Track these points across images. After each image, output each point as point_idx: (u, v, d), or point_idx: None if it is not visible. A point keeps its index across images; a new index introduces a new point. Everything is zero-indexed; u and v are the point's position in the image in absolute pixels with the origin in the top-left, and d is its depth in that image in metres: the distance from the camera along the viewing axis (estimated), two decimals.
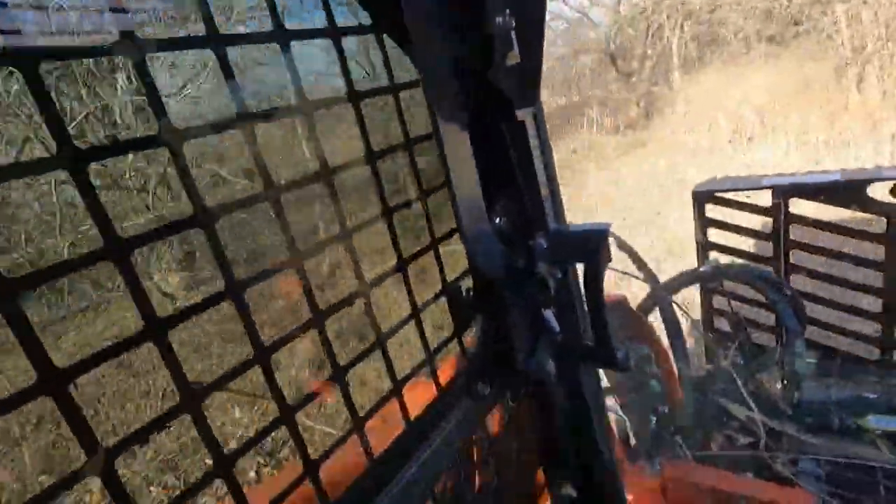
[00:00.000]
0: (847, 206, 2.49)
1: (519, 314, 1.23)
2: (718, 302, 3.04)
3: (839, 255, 2.61)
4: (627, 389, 2.32)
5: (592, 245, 1.15)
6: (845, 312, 2.74)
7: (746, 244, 2.92)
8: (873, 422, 2.51)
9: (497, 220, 1.19)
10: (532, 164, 1.16)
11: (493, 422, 1.44)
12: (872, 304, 2.63)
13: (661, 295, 2.50)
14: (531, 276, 1.20)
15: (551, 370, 1.26)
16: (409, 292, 1.00)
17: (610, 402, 2.41)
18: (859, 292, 2.69)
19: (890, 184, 2.37)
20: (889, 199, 2.38)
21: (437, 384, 1.09)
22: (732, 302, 2.94)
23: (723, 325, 3.06)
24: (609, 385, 2.30)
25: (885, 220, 2.42)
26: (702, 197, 2.79)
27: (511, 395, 1.36)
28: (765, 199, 2.68)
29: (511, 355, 1.25)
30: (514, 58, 1.04)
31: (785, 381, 2.61)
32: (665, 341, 2.61)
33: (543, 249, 1.16)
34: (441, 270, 1.18)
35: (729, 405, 2.53)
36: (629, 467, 2.14)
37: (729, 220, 2.86)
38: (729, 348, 3.02)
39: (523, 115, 1.09)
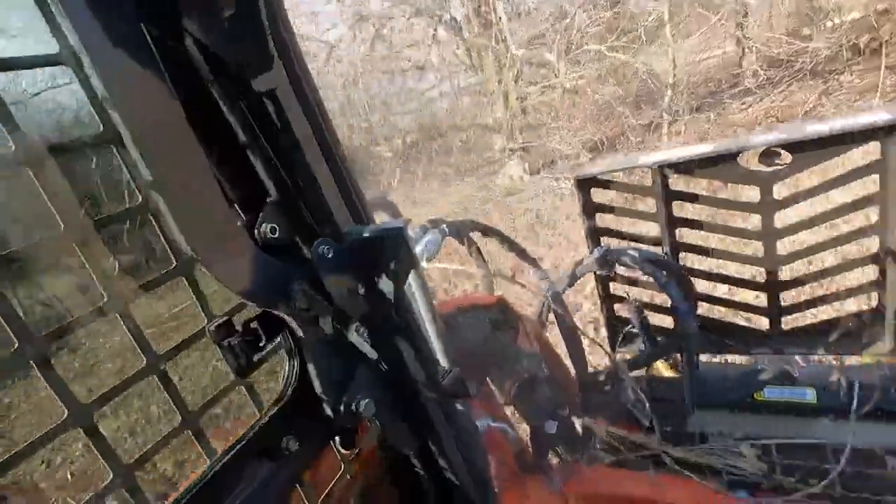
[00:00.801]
0: (722, 178, 2.46)
1: (318, 346, 0.94)
2: (615, 289, 2.95)
3: (722, 229, 2.58)
4: (521, 399, 2.12)
5: (387, 247, 0.89)
6: (734, 285, 2.72)
7: (636, 226, 2.85)
8: (768, 394, 2.49)
9: (261, 229, 0.89)
10: (300, 150, 0.87)
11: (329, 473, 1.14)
12: (758, 274, 2.62)
13: (550, 290, 2.35)
14: (318, 294, 0.91)
15: (370, 410, 0.98)
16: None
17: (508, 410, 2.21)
18: (748, 265, 2.70)
19: (759, 151, 2.36)
20: (759, 166, 2.36)
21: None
22: (628, 287, 2.86)
23: (623, 311, 2.97)
24: (501, 397, 2.09)
25: (758, 188, 2.41)
26: (584, 182, 2.67)
27: (342, 442, 1.07)
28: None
29: (317, 398, 0.97)
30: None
31: (680, 366, 2.55)
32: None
33: (327, 260, 0.88)
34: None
35: (630, 398, 2.41)
36: (529, 481, 1.93)
37: (616, 204, 2.78)
38: (631, 336, 2.95)
39: (265, 83, 0.81)
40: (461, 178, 15.84)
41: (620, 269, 2.75)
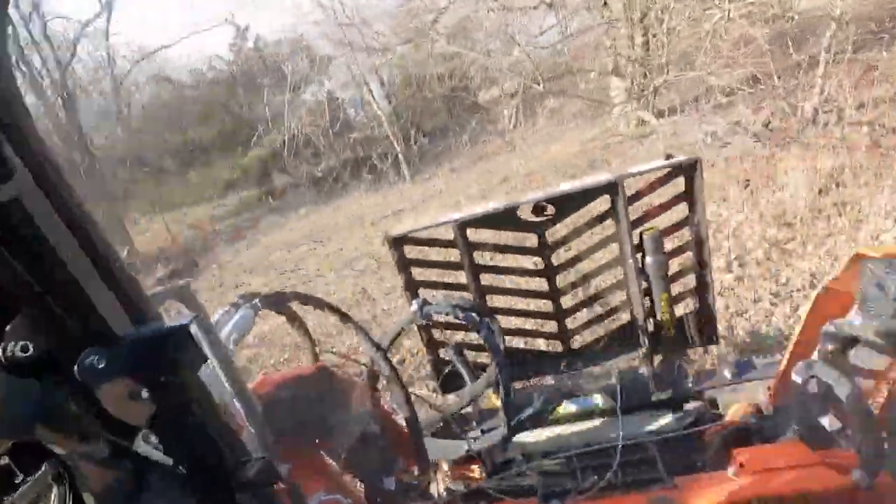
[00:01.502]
0: (508, 229, 2.89)
1: (93, 467, 0.87)
2: (437, 335, 3.18)
3: (514, 271, 3.01)
4: (355, 462, 2.13)
5: (172, 346, 0.88)
6: (531, 318, 3.16)
7: (448, 276, 3.13)
8: (567, 407, 2.92)
9: (8, 348, 0.81)
10: (56, 257, 0.83)
11: None
12: (543, 306, 3.09)
13: (373, 351, 2.43)
14: (88, 409, 0.86)
15: None
16: None
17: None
18: (538, 298, 3.17)
19: (531, 206, 2.85)
20: (533, 217, 2.84)
21: None
22: (448, 332, 3.12)
23: (448, 355, 3.20)
24: (336, 465, 2.07)
25: (535, 236, 2.88)
26: (397, 240, 2.88)
27: None
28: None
29: None
30: None
31: (501, 397, 2.85)
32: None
33: (98, 370, 0.83)
34: None
35: (461, 438, 2.60)
36: None
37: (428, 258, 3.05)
38: (455, 377, 3.17)
39: (5, 193, 0.76)
40: (582, 121, 14.60)
41: (438, 317, 2.99)
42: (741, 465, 1.96)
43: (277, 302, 2.08)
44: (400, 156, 16.55)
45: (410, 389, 2.63)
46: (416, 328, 3.09)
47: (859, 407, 1.67)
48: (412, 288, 3.02)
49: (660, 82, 11.51)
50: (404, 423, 2.59)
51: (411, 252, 2.95)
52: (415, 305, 2.79)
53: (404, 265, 2.95)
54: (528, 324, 3.27)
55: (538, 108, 16.42)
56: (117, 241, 16.50)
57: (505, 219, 2.81)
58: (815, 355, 1.88)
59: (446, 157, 17.06)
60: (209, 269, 13.54)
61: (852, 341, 1.82)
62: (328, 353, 2.44)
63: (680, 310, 3.01)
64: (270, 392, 1.94)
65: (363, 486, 2.23)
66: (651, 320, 2.96)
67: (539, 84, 13.21)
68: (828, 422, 1.92)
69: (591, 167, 10.62)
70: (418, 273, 3.06)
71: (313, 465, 2.00)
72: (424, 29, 14.61)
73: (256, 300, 1.95)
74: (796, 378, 1.91)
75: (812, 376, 1.81)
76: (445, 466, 2.86)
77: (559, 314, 3.06)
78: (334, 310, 2.46)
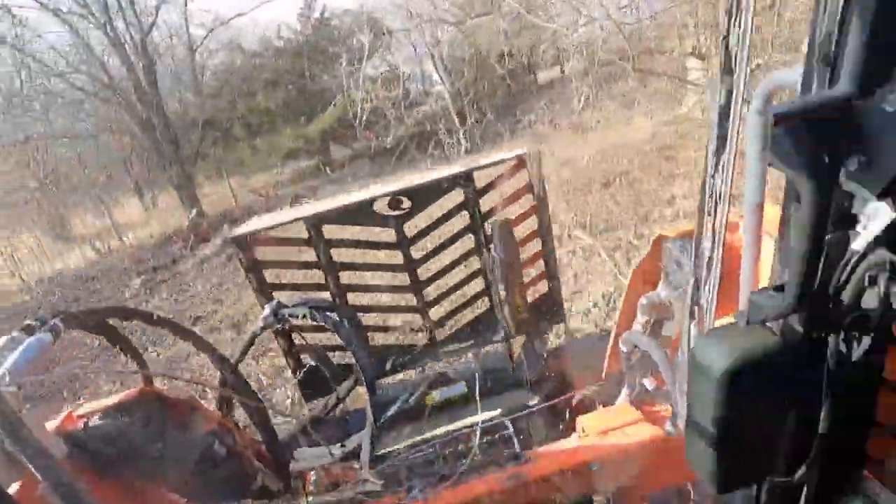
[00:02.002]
0: (364, 224, 2.83)
1: None
2: (296, 339, 3.02)
3: (373, 266, 2.97)
4: (202, 486, 1.93)
5: None
6: (394, 313, 3.15)
7: (304, 276, 2.98)
8: (436, 396, 2.97)
9: None
10: None
11: None
12: (405, 300, 3.10)
13: (221, 367, 2.21)
14: None
15: None
16: None
17: None
18: (400, 293, 3.16)
19: (388, 199, 2.82)
20: (390, 211, 2.82)
21: None
22: (309, 334, 2.97)
23: (310, 360, 3.06)
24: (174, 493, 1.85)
25: (393, 231, 2.87)
26: (241, 240, 2.66)
27: None
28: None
29: None
30: None
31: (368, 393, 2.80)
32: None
33: None
34: None
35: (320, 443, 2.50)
36: None
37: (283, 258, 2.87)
38: (323, 384, 3.04)
39: None
40: (654, 104, 13.42)
41: (296, 320, 2.84)
42: (583, 430, 2.16)
43: (87, 320, 1.78)
44: (461, 133, 15.50)
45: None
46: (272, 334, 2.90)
47: (668, 368, 1.93)
48: (264, 291, 2.82)
49: (753, 66, 11.99)
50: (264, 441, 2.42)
51: (261, 252, 2.75)
52: (267, 310, 2.61)
53: (253, 266, 2.74)
54: (392, 319, 3.25)
55: (608, 89, 15.53)
56: (188, 202, 15.79)
57: (361, 214, 2.74)
58: (635, 327, 2.13)
59: (509, 136, 15.74)
60: None
61: (663, 310, 2.10)
62: (161, 374, 2.16)
63: (531, 295, 3.22)
64: (80, 428, 1.66)
65: None
66: (507, 306, 3.13)
67: (624, 60, 11.95)
68: (648, 383, 2.19)
69: (660, 154, 9.68)
70: (271, 275, 2.86)
71: (147, 501, 1.76)
72: (498, 1, 13.87)
73: (56, 320, 1.64)
74: (622, 348, 2.15)
75: (634, 345, 2.04)
76: (313, 475, 2.74)
77: (421, 307, 3.09)
78: (168, 323, 2.20)
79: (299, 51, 20.13)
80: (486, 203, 2.89)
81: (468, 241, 3.01)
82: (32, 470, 1.03)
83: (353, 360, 3.10)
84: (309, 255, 2.87)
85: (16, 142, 16.09)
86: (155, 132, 15.83)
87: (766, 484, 1.09)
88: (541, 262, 3.14)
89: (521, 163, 2.80)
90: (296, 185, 18.00)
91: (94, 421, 1.68)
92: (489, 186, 2.90)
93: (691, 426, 0.99)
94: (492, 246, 2.93)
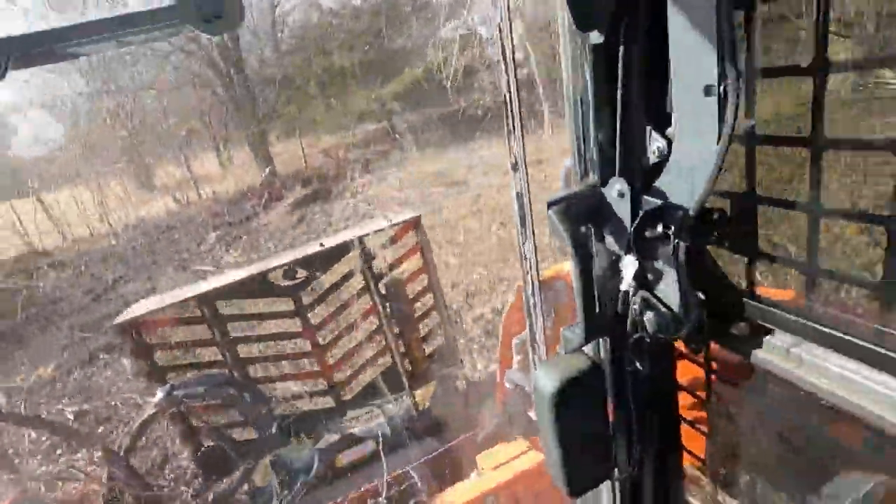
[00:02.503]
0: (261, 296, 2.89)
1: None
2: (197, 420, 2.91)
3: (272, 337, 3.00)
4: None
5: None
6: (299, 379, 3.18)
7: (200, 354, 2.93)
8: (344, 458, 3.00)
9: None
10: None
11: None
12: (308, 366, 3.16)
13: (111, 463, 2.11)
14: None
15: None
16: None
17: None
18: (302, 359, 3.21)
19: (281, 270, 2.93)
20: (285, 281, 2.92)
21: None
22: (207, 414, 2.88)
23: (206, 440, 2.94)
24: None
25: (290, 299, 2.95)
26: (128, 326, 2.59)
27: None
28: None
29: None
30: None
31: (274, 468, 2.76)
32: None
33: None
34: None
35: None
36: None
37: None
38: (223, 465, 2.93)
39: None
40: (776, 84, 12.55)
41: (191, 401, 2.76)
42: (481, 467, 2.35)
43: None
44: (544, 103, 14.26)
45: None
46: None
47: None
48: (157, 375, 2.72)
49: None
50: None
51: (150, 335, 2.67)
52: (160, 393, 2.54)
53: (143, 351, 2.65)
54: (297, 386, 3.26)
55: None
56: (262, 160, 15.60)
57: (254, 287, 2.80)
58: (513, 365, 2.41)
59: None
60: (342, 197, 12.45)
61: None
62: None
63: (429, 346, 3.43)
64: None
65: None
66: (407, 359, 3.31)
67: None
68: (532, 414, 2.46)
69: None
70: (164, 357, 2.78)
71: None
72: None
73: None
74: (507, 385, 2.42)
75: (514, 382, 2.32)
76: None
77: (324, 371, 3.16)
78: (45, 423, 2.07)
79: (377, 10, 19.46)
80: (378, 265, 3.09)
81: (364, 303, 3.17)
82: None
83: (253, 436, 3.05)
84: (203, 332, 2.84)
85: (109, 90, 16.57)
86: (234, 88, 15.71)
87: (614, 483, 1.34)
88: (434, 315, 3.38)
89: (410, 226, 3.07)
90: (366, 149, 17.35)
91: None
92: (382, 249, 3.12)
93: (542, 441, 1.22)
94: (387, 304, 3.13)
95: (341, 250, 2.92)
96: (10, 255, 12.10)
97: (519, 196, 1.10)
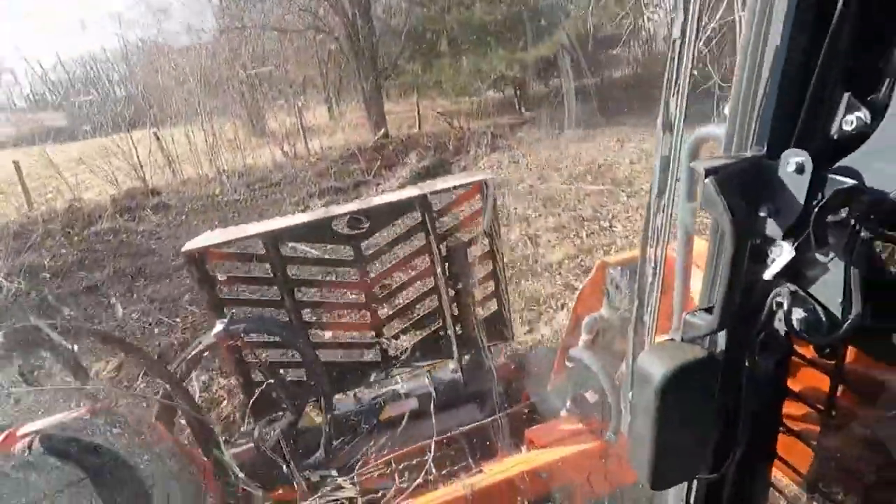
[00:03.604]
0: (323, 241, 2.86)
1: None
2: (247, 355, 2.97)
3: (331, 284, 3.00)
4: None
5: None
6: (348, 329, 3.18)
7: (258, 291, 2.96)
8: (387, 411, 3.02)
9: None
10: None
11: None
12: (360, 317, 3.15)
13: (166, 381, 2.16)
14: None
15: None
16: None
17: None
18: (355, 309, 3.20)
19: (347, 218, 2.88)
20: (348, 230, 2.88)
21: None
22: (261, 351, 2.93)
23: (258, 376, 3.01)
24: None
25: (351, 248, 2.92)
26: (195, 255, 2.62)
27: None
28: None
29: None
30: None
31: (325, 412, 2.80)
32: None
33: None
34: None
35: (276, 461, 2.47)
36: None
37: (237, 273, 2.84)
38: (272, 402, 3.00)
39: None
40: None
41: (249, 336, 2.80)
42: (531, 442, 2.30)
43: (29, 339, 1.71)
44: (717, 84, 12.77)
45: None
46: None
47: (608, 382, 2.11)
48: (216, 306, 2.77)
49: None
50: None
51: (214, 267, 2.71)
52: (219, 326, 2.58)
53: (206, 281, 2.69)
54: (346, 336, 3.28)
55: None
56: (374, 119, 14.44)
57: (318, 231, 2.78)
58: (579, 344, 2.30)
59: None
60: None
61: (605, 330, 2.30)
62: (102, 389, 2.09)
63: (482, 313, 3.36)
64: (22, 447, 1.58)
65: None
66: (458, 324, 3.25)
67: None
68: (590, 396, 2.37)
69: None
70: (224, 290, 2.82)
71: None
72: None
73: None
74: (568, 363, 2.32)
75: (577, 360, 2.21)
76: (260, 493, 2.69)
77: (376, 325, 3.14)
78: (115, 340, 2.13)
79: None
80: (442, 224, 3.01)
81: (423, 261, 3.11)
82: None
83: (303, 379, 3.10)
84: (264, 271, 2.86)
85: (235, 27, 15.96)
86: (357, 37, 14.59)
87: (695, 481, 1.25)
88: (491, 283, 3.30)
89: (477, 188, 2.96)
90: (490, 119, 15.47)
91: (37, 443, 1.61)
92: (446, 209, 3.03)
93: (633, 430, 1.12)
94: (446, 266, 3.06)
95: (408, 205, 2.84)
96: (122, 190, 11.76)
97: (665, 160, 0.96)
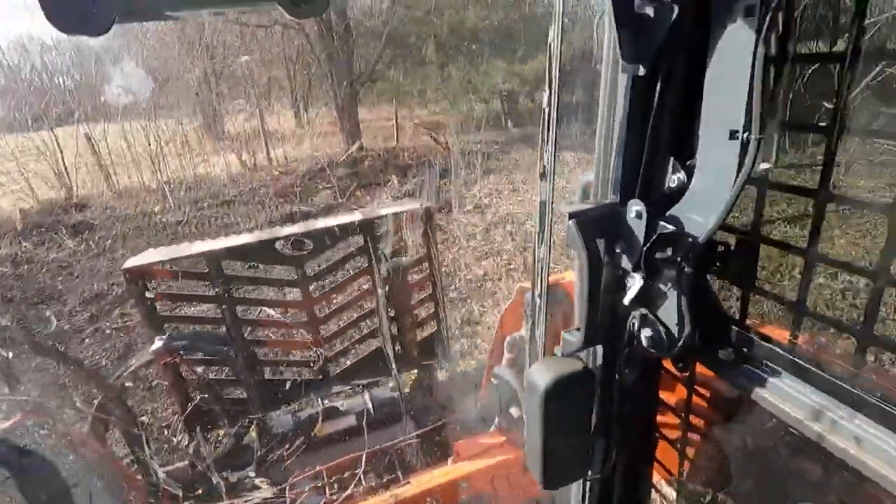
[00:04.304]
0: (266, 261, 2.95)
1: None
2: (187, 372, 2.98)
3: (272, 303, 3.07)
4: None
5: None
6: (290, 348, 3.25)
7: (198, 308, 2.99)
8: (326, 428, 3.09)
9: None
10: None
11: None
12: (302, 335, 3.23)
13: (103, 392, 2.18)
14: None
15: None
16: None
17: None
18: (297, 328, 3.28)
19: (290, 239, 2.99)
20: (291, 251, 2.98)
21: None
22: (199, 368, 2.96)
23: (192, 392, 3.02)
24: None
25: (294, 268, 3.02)
26: (136, 272, 2.65)
27: None
28: None
29: None
30: None
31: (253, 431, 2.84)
32: None
33: None
34: None
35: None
36: None
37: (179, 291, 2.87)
38: (205, 417, 3.01)
39: None
40: None
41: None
42: (457, 454, 2.44)
43: None
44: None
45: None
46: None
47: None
48: (155, 323, 2.78)
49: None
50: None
51: (156, 284, 2.74)
52: (158, 342, 2.61)
53: (146, 299, 2.71)
54: (287, 354, 3.34)
55: None
56: (348, 129, 12.68)
57: (262, 252, 2.87)
58: (503, 362, 2.49)
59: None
60: (460, 206, 8.47)
61: (524, 350, 2.50)
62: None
63: (421, 333, 3.51)
64: None
65: None
66: (397, 344, 3.39)
67: None
68: (514, 411, 2.55)
69: None
70: (164, 307, 2.84)
71: None
72: None
73: None
74: (493, 380, 2.51)
75: (501, 378, 2.40)
76: (180, 493, 2.68)
77: (317, 343, 3.23)
78: (45, 350, 2.14)
79: None
80: (383, 248, 3.16)
81: (365, 283, 3.24)
82: None
83: (242, 396, 3.13)
84: (206, 289, 2.91)
85: (189, 19, 12.31)
86: (332, 37, 13.01)
87: (587, 482, 1.43)
88: (430, 304, 3.46)
89: (421, 214, 3.14)
90: (477, 135, 13.38)
91: None
92: (388, 233, 3.19)
93: (527, 435, 1.29)
94: (386, 287, 3.20)
95: (351, 229, 2.98)
96: (44, 199, 9.75)
97: (543, 204, 1.17)
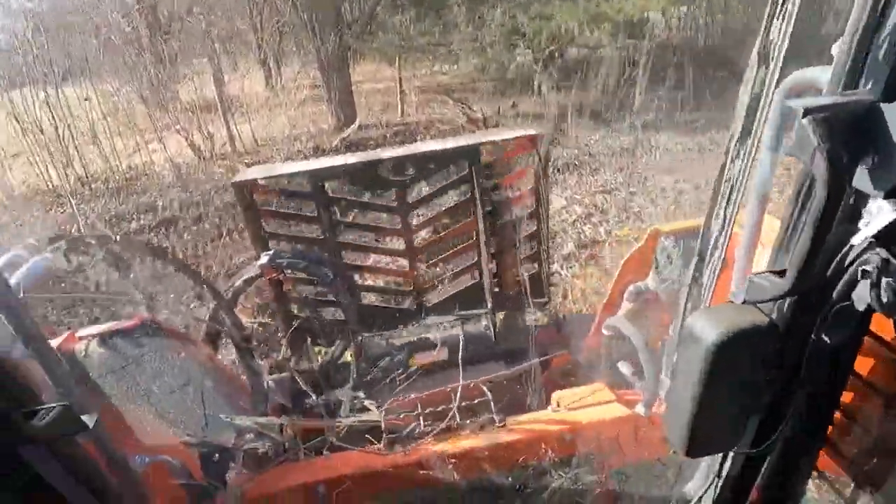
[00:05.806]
0: (367, 185, 2.85)
1: None
2: (287, 289, 3.04)
3: (372, 228, 3.00)
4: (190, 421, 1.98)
5: None
6: (386, 275, 3.20)
7: (301, 228, 3.00)
8: (418, 359, 3.05)
9: None
10: None
11: None
12: (399, 264, 3.15)
13: (216, 303, 2.24)
14: None
15: None
16: None
17: None
18: (394, 256, 3.21)
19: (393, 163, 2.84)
20: (393, 175, 2.84)
21: None
22: (299, 286, 3.00)
23: (293, 308, 3.09)
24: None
25: (394, 193, 2.89)
26: (243, 187, 2.66)
27: None
28: None
29: None
30: None
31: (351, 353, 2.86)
32: None
33: None
34: None
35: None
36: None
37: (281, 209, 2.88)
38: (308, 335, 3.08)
39: None
40: None
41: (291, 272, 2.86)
42: (557, 404, 2.27)
43: (89, 247, 1.79)
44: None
45: None
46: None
47: (647, 354, 2.03)
48: (260, 240, 2.82)
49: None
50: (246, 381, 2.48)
51: (261, 201, 2.75)
52: (264, 258, 2.65)
53: (252, 215, 2.74)
54: (383, 280, 3.31)
55: None
56: (337, 96, 9.55)
57: (364, 174, 2.76)
58: (619, 313, 2.22)
59: None
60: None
61: (649, 301, 2.20)
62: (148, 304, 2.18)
63: (521, 272, 3.29)
64: (80, 348, 1.69)
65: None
66: (496, 280, 3.21)
67: None
68: (624, 367, 2.30)
69: None
70: (268, 224, 2.87)
71: (133, 425, 1.81)
72: None
73: (62, 242, 1.65)
74: (605, 332, 2.25)
75: (615, 329, 2.14)
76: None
77: (414, 273, 3.14)
78: (167, 257, 2.21)
79: None
80: (491, 179, 2.92)
81: (466, 214, 3.05)
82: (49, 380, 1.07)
83: (339, 317, 3.16)
84: (309, 208, 2.88)
85: None
86: None
87: (731, 455, 1.18)
88: (534, 243, 3.21)
89: (530, 143, 2.84)
90: (502, 100, 10.15)
91: (94, 345, 1.71)
92: (495, 163, 2.93)
93: (673, 393, 1.05)
94: (489, 221, 2.99)
95: (456, 155, 2.76)
96: None
97: (754, 97, 0.86)
